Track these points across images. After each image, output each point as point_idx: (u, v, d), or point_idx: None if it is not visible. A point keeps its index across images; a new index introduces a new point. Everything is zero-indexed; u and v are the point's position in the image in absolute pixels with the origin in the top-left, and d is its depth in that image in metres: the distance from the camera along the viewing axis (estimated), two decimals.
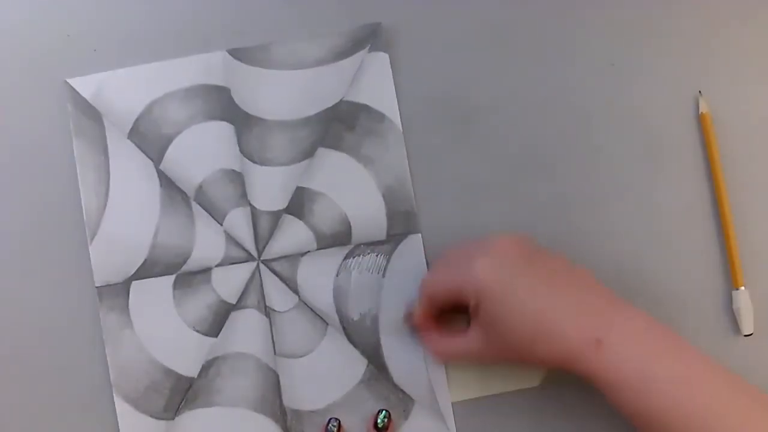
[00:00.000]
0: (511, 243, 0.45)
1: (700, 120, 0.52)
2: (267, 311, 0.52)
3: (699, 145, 0.53)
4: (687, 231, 0.53)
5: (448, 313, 0.49)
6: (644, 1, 0.54)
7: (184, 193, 0.53)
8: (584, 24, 0.54)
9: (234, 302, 0.53)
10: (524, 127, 0.53)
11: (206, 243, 0.53)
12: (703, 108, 0.51)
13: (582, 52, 0.54)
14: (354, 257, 0.53)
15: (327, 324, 0.52)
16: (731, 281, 0.52)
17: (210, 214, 0.53)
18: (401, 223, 0.53)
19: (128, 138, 0.53)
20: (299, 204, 0.53)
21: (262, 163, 0.53)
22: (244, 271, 0.53)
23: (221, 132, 0.53)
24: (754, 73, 0.54)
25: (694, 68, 0.54)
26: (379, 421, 0.50)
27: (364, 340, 0.52)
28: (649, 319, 0.43)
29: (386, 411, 0.50)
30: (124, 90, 0.53)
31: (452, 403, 0.51)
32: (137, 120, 0.53)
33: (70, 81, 0.53)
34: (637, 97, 0.54)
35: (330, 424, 0.50)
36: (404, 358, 0.52)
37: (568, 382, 0.45)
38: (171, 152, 0.53)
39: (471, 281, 0.44)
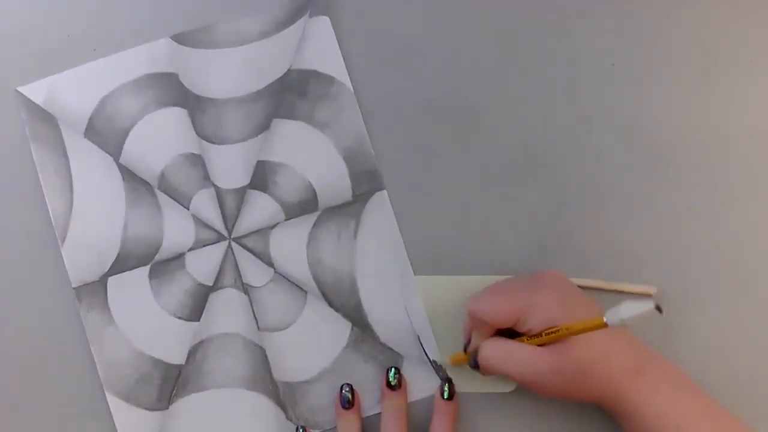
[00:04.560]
0: (560, 275, 0.48)
1: None
2: (245, 288, 0.52)
3: (699, 145, 0.53)
4: (686, 231, 0.52)
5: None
6: (644, 1, 0.54)
7: (147, 183, 0.53)
8: (584, 24, 0.54)
9: (211, 284, 0.53)
10: (523, 128, 0.53)
11: (176, 229, 0.53)
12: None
13: (582, 52, 0.54)
14: (323, 223, 0.53)
15: (306, 292, 0.52)
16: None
17: (176, 200, 0.53)
18: (365, 182, 0.53)
19: (85, 137, 0.53)
20: (262, 177, 0.53)
21: (219, 143, 0.53)
22: (217, 251, 0.53)
23: (175, 118, 0.53)
24: (755, 73, 0.53)
25: (694, 68, 0.53)
26: (390, 378, 0.50)
27: (345, 303, 0.52)
28: (675, 365, 0.46)
29: (395, 368, 0.50)
30: (74, 90, 0.54)
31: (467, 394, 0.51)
32: (91, 118, 0.53)
33: (21, 89, 0.54)
34: (637, 97, 0.53)
35: (344, 391, 0.50)
36: (387, 316, 0.52)
37: None
38: (129, 145, 0.53)
39: (540, 309, 0.45)
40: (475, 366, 0.48)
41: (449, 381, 0.51)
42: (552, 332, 0.44)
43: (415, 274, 0.52)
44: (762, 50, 0.53)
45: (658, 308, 0.39)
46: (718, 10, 0.54)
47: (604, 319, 0.40)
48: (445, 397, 0.50)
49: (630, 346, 0.46)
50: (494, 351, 0.46)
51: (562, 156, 0.53)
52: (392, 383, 0.50)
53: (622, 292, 0.51)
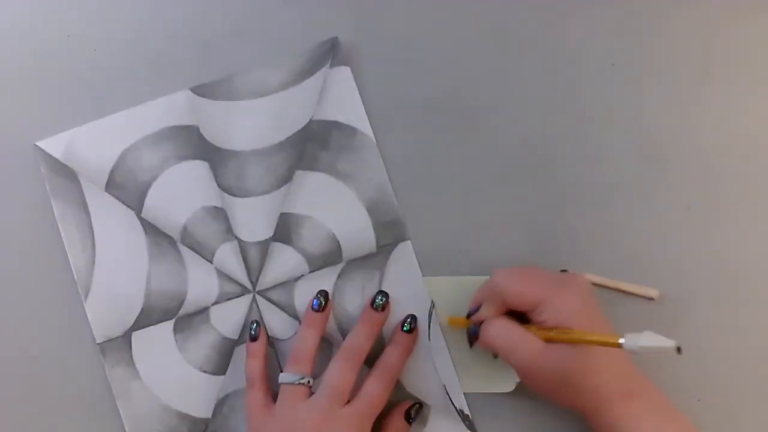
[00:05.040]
0: (589, 283, 0.47)
1: None
2: (270, 341, 0.52)
3: (698, 145, 0.52)
4: (686, 230, 0.52)
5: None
6: (644, 1, 0.53)
7: (170, 237, 0.53)
8: (584, 24, 0.54)
9: (236, 337, 0.52)
10: (523, 128, 0.53)
11: (199, 283, 0.53)
12: None
13: (582, 52, 0.53)
14: (348, 275, 0.52)
15: (332, 344, 0.52)
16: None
17: (199, 254, 0.53)
18: (389, 233, 0.53)
19: (106, 191, 0.53)
20: (285, 230, 0.53)
21: (242, 195, 0.53)
22: (242, 304, 0.53)
23: (197, 170, 0.53)
24: (755, 73, 0.53)
25: (694, 68, 0.53)
26: (377, 300, 0.51)
27: (372, 354, 0.52)
28: (663, 394, 0.46)
29: (384, 292, 0.51)
30: (93, 144, 0.53)
31: (466, 394, 0.52)
32: (112, 172, 0.53)
33: (39, 143, 0.53)
34: (637, 97, 0.53)
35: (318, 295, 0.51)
36: (414, 366, 0.52)
37: None
38: (150, 199, 0.53)
39: (561, 305, 0.45)
40: (473, 335, 0.48)
41: (469, 421, 0.51)
42: (564, 333, 0.44)
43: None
44: (762, 50, 0.53)
45: (678, 349, 0.39)
46: (718, 10, 0.53)
47: (621, 341, 0.41)
48: (405, 329, 0.51)
49: (625, 367, 0.46)
50: (501, 330, 0.46)
51: (562, 156, 0.53)
52: (376, 305, 0.51)
53: (624, 292, 0.51)
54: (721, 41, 0.53)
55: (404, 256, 0.52)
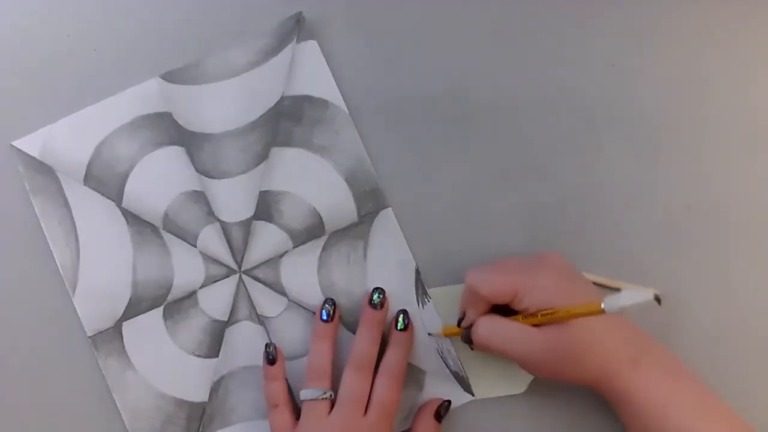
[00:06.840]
0: (562, 258, 0.47)
1: None
2: (260, 320, 0.52)
3: (699, 145, 0.53)
4: (687, 230, 0.52)
5: None
6: (644, 1, 0.54)
7: (152, 225, 0.53)
8: (584, 24, 0.54)
9: (226, 319, 0.52)
10: (523, 127, 0.53)
11: (185, 268, 0.53)
12: None
13: (582, 52, 0.54)
14: (332, 247, 0.52)
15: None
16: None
17: (182, 239, 0.53)
18: (369, 201, 0.53)
19: (85, 185, 0.53)
20: (266, 208, 0.53)
21: (220, 177, 0.53)
22: (229, 286, 0.53)
23: (173, 156, 0.53)
24: (755, 72, 0.53)
25: (694, 69, 0.53)
26: (374, 298, 0.51)
27: None
28: (673, 355, 0.46)
29: (381, 289, 0.51)
30: (69, 139, 0.53)
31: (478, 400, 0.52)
32: (89, 165, 0.53)
33: (15, 143, 0.53)
34: (637, 97, 0.53)
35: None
36: None
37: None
38: (129, 188, 0.53)
39: (537, 288, 0.45)
40: (468, 340, 0.48)
41: (465, 381, 0.51)
42: (548, 313, 0.44)
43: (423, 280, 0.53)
44: (762, 50, 0.53)
45: (657, 299, 0.39)
46: (718, 9, 0.53)
47: (602, 306, 0.41)
48: (400, 329, 0.50)
49: (628, 333, 0.45)
50: (489, 327, 0.47)
51: (562, 156, 0.53)
52: (375, 303, 0.51)
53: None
54: (721, 41, 0.53)
55: (387, 223, 0.52)
